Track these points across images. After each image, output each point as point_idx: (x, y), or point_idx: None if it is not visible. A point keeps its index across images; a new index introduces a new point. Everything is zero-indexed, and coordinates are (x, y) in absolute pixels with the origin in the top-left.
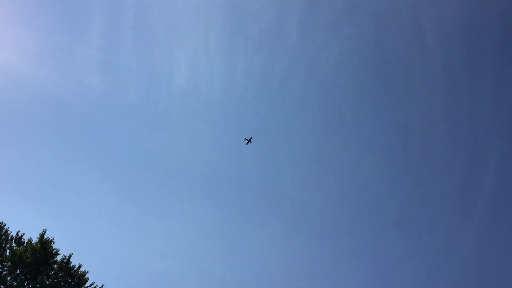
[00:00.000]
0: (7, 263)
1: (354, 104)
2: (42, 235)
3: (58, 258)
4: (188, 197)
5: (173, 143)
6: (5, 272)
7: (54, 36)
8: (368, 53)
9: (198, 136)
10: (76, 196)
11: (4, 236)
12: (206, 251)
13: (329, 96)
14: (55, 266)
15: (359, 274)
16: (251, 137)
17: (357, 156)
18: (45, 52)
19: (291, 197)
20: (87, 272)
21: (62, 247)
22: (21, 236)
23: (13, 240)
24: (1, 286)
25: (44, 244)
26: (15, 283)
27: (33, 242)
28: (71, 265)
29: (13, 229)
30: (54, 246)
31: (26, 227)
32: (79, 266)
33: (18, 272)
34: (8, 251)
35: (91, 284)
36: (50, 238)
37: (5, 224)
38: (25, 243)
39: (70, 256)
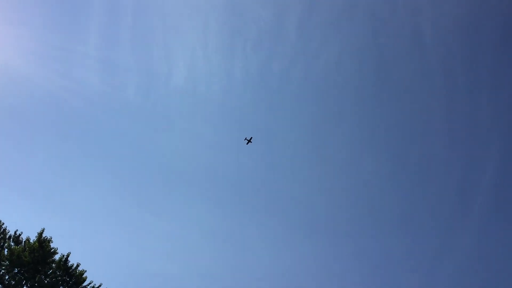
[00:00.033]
0: (5, 262)
1: (353, 104)
2: (40, 234)
3: (56, 257)
4: (187, 196)
5: (172, 142)
6: (3, 271)
7: (52, 35)
8: (367, 52)
9: (197, 135)
10: (74, 195)
11: (2, 235)
12: (205, 250)
13: (328, 95)
14: (53, 265)
15: (358, 273)
16: (251, 137)
17: (356, 156)
18: (44, 51)
19: (290, 196)
20: (85, 271)
21: (60, 246)
22: (19, 235)
23: (11, 239)
24: None
25: (42, 243)
26: (13, 282)
27: (31, 241)
28: (69, 264)
29: (11, 228)
30: (52, 245)
31: (24, 226)
32: (77, 265)
33: (16, 271)
34: (6, 250)
35: (89, 283)
36: (48, 237)
37: (3, 223)
38: (23, 242)
39: (68, 255)
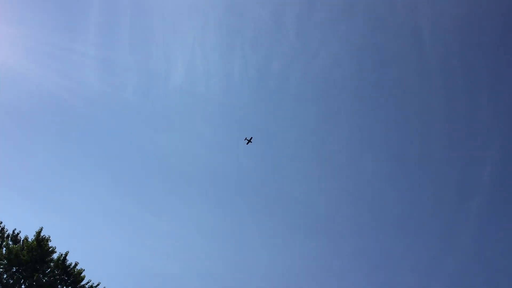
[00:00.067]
0: (3, 261)
1: (352, 103)
2: (38, 233)
3: (55, 256)
4: (186, 196)
5: (170, 141)
6: (1, 270)
7: (51, 35)
8: (366, 52)
9: (195, 134)
10: (73, 194)
11: (0, 234)
12: (204, 250)
13: (326, 94)
14: (52, 264)
15: (358, 272)
16: (251, 137)
17: (355, 155)
18: (43, 51)
19: (290, 196)
20: (84, 270)
21: (59, 245)
22: (18, 234)
23: (10, 238)
24: None
25: (41, 242)
26: (11, 281)
27: (29, 240)
28: (68, 263)
29: (9, 227)
30: (50, 244)
31: (23, 225)
32: (76, 264)
33: (14, 270)
34: (4, 249)
35: (88, 282)
36: (47, 236)
37: (1, 222)
38: (21, 241)
39: (66, 254)
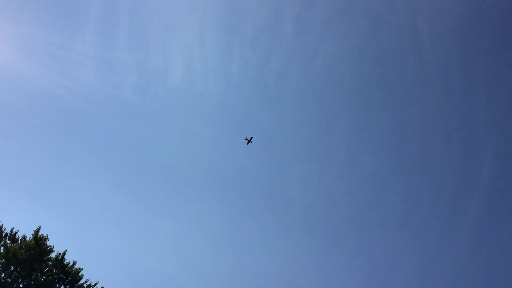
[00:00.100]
0: (1, 260)
1: (350, 102)
2: (36, 232)
3: (53, 255)
4: (185, 194)
5: (169, 140)
6: None
7: (49, 33)
8: (364, 51)
9: (194, 133)
10: (71, 193)
11: None
12: (202, 249)
13: (324, 94)
14: (50, 263)
15: (355, 271)
16: (252, 137)
17: (352, 154)
18: (41, 49)
19: (287, 194)
20: (82, 269)
21: (57, 244)
22: (16, 233)
23: (8, 237)
24: None
25: (39, 241)
26: (9, 280)
27: (27, 239)
28: (66, 262)
29: (7, 226)
30: (48, 243)
31: (21, 224)
32: (74, 263)
33: (12, 269)
34: (2, 248)
35: (86, 281)
36: (45, 235)
37: None
38: (19, 240)
39: (64, 253)
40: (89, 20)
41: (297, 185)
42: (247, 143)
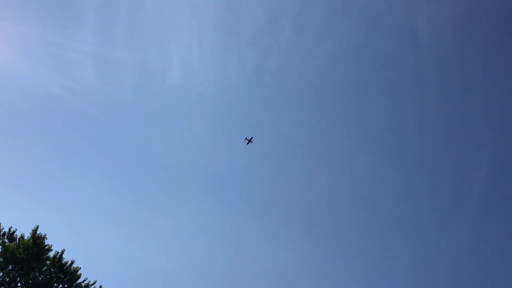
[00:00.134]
0: None
1: (348, 101)
2: (34, 231)
3: (51, 254)
4: (183, 193)
5: (167, 139)
6: None
7: (47, 32)
8: (362, 50)
9: (192, 132)
10: (69, 192)
11: None
12: (201, 248)
13: (323, 93)
14: (48, 262)
15: (353, 270)
16: (252, 137)
17: (350, 153)
18: (38, 48)
19: (285, 194)
20: (80, 268)
21: (55, 243)
22: (14, 232)
23: (6, 236)
24: None
25: (37, 240)
26: (7, 279)
27: (25, 238)
28: (64, 261)
29: (5, 225)
30: (46, 242)
31: (19, 223)
32: (72, 262)
33: (10, 268)
34: (0, 247)
35: (84, 280)
36: (43, 234)
37: None
38: (17, 239)
39: (62, 252)
40: (88, 19)
41: (295, 184)
42: (247, 143)
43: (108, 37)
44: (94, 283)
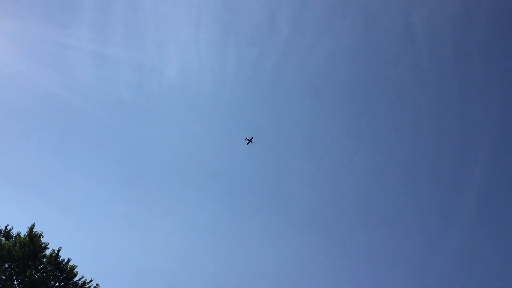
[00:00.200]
0: None
1: (345, 99)
2: (31, 229)
3: (47, 252)
4: (180, 191)
5: (163, 137)
6: None
7: (44, 29)
8: (359, 49)
9: (189, 130)
10: (66, 190)
11: None
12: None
13: (320, 91)
14: (44, 260)
15: (348, 268)
16: (252, 137)
17: (348, 152)
18: (35, 45)
19: (282, 192)
20: (76, 266)
21: (51, 241)
22: (10, 230)
23: (2, 234)
24: None
25: (33, 238)
26: (4, 277)
27: (22, 236)
28: (60, 259)
29: (1, 223)
30: (43, 240)
31: (15, 221)
32: (68, 260)
33: (6, 266)
34: None
35: (80, 278)
36: (39, 232)
37: None
38: (13, 237)
39: (59, 250)
40: (85, 17)
41: (293, 183)
42: (248, 143)
43: (105, 35)
44: (91, 281)
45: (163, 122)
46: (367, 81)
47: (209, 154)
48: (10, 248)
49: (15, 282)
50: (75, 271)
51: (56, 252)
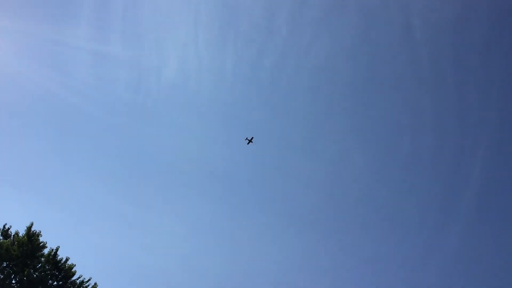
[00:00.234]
0: None
1: (344, 99)
2: (29, 228)
3: (45, 251)
4: (178, 191)
5: (162, 136)
6: None
7: (42, 28)
8: (358, 48)
9: (187, 130)
10: (64, 189)
11: None
12: (196, 245)
13: (319, 91)
14: (42, 259)
15: (346, 268)
16: (252, 137)
17: (346, 152)
18: (33, 44)
19: (280, 191)
20: (75, 265)
21: (50, 240)
22: (8, 229)
23: (0, 233)
24: None
25: (31, 237)
26: (2, 276)
27: (20, 235)
28: (58, 258)
29: (0, 222)
30: (41, 239)
31: (13, 220)
32: (66, 259)
33: (4, 265)
34: None
35: (79, 277)
36: (37, 231)
37: None
38: (12, 236)
39: (57, 249)
40: (84, 16)
41: (292, 182)
42: (248, 143)
43: (104, 34)
44: (89, 280)
45: (162, 121)
46: (366, 81)
47: (208, 154)
48: (8, 247)
49: (13, 281)
50: (73, 270)
51: (54, 251)
